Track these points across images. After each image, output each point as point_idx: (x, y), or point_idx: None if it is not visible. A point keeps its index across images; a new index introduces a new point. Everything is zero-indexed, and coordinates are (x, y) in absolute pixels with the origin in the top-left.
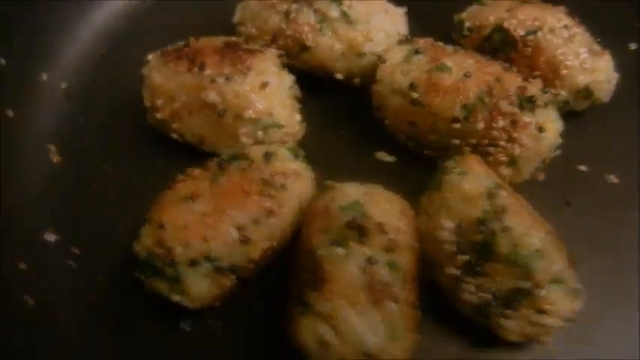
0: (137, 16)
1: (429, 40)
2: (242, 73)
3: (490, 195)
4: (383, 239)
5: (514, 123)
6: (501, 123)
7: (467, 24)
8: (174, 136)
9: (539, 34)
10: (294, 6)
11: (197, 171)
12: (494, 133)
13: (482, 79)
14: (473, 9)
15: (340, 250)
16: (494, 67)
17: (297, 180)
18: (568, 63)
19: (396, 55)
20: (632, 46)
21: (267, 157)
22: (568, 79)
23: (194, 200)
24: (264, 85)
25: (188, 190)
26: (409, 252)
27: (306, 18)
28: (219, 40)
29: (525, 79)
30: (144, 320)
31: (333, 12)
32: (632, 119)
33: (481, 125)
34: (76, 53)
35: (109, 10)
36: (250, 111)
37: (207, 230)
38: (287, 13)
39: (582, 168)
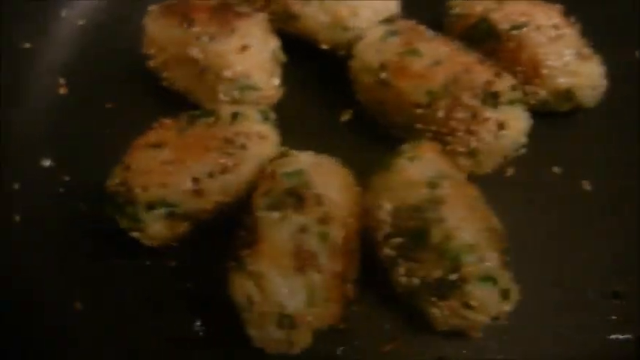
0: None
1: (411, 23)
2: (226, 34)
3: (432, 184)
4: (318, 210)
5: (474, 116)
6: (461, 114)
7: (455, 10)
8: (166, 83)
9: (525, 29)
10: None
11: (169, 122)
12: (454, 123)
13: (451, 68)
14: None
15: (276, 215)
16: (468, 58)
17: (260, 141)
18: (549, 63)
19: (374, 34)
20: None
21: (235, 116)
22: (548, 79)
23: (160, 148)
24: (245, 48)
25: (157, 138)
26: (342, 227)
27: None
28: (216, 0)
29: (497, 74)
30: (110, 250)
31: None
32: (621, 128)
33: (442, 113)
34: None
35: None
36: (229, 71)
37: (166, 177)
38: None
39: (556, 170)
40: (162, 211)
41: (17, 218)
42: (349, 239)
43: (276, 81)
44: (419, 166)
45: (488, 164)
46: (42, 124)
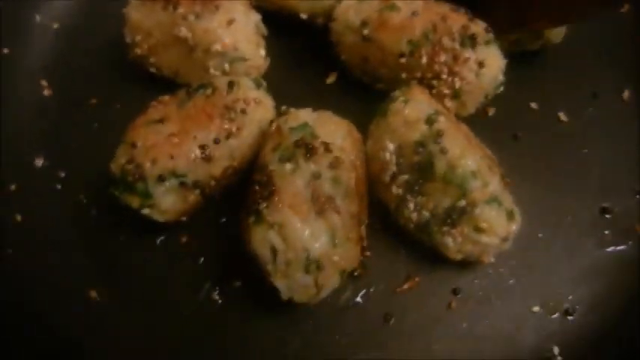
0: None
1: None
2: (211, 11)
3: (429, 120)
4: (328, 157)
5: (455, 58)
6: (443, 58)
7: None
8: (153, 69)
9: None
10: None
11: (167, 98)
12: (437, 67)
13: (428, 18)
14: None
15: (289, 166)
16: (442, 8)
17: (258, 106)
18: None
19: None
20: None
21: (231, 85)
22: None
23: (163, 123)
24: (230, 22)
25: (158, 114)
26: (352, 169)
27: None
28: None
29: (471, 20)
30: (120, 235)
31: None
32: (586, 61)
33: (425, 60)
34: None
35: None
36: (218, 45)
37: (173, 149)
38: None
39: (533, 105)
40: (173, 182)
41: (19, 218)
42: (359, 181)
43: (263, 52)
44: (414, 106)
45: (471, 104)
46: (30, 125)
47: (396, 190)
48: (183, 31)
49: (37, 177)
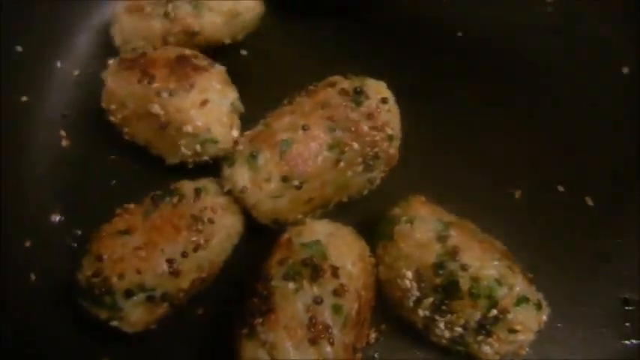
0: None
1: None
2: (185, 90)
3: (441, 238)
4: (333, 283)
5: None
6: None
7: None
8: (127, 137)
9: None
10: (170, 6)
11: (132, 206)
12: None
13: None
14: None
15: (292, 285)
16: None
17: (225, 213)
18: None
19: None
20: None
21: (197, 192)
22: None
23: (129, 234)
24: (204, 103)
25: (124, 225)
26: (356, 299)
27: (185, 10)
28: (173, 52)
29: None
30: None
31: None
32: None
33: None
34: (88, 42)
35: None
36: (189, 126)
37: (140, 263)
38: (166, 15)
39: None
40: (141, 296)
41: (33, 277)
42: (361, 311)
43: (235, 133)
44: (421, 226)
45: None
46: (48, 178)
47: (422, 312)
48: (156, 108)
49: (52, 234)
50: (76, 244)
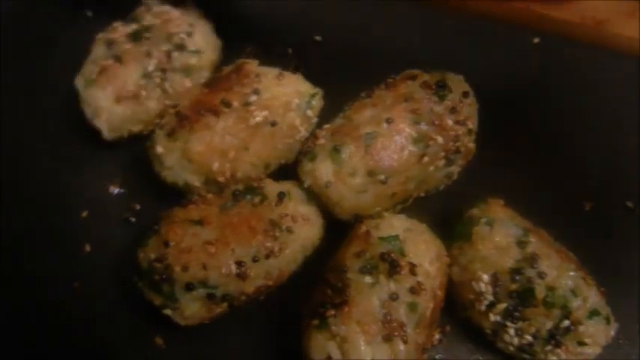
0: None
1: None
2: None
3: (520, 243)
4: (411, 280)
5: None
6: None
7: None
8: None
9: None
10: (166, 84)
11: (211, 196)
12: None
13: None
14: None
15: (368, 279)
16: None
17: (305, 224)
18: None
19: None
20: None
21: (281, 196)
22: None
23: (202, 225)
24: None
25: (198, 214)
26: (431, 299)
27: (180, 79)
28: None
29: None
30: None
31: (184, 58)
32: None
33: None
34: None
35: None
36: None
37: (208, 258)
38: (164, 92)
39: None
40: (201, 291)
41: (87, 247)
42: (435, 311)
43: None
44: (501, 230)
45: None
46: (108, 149)
47: (493, 317)
48: None
49: (110, 207)
50: (134, 219)
